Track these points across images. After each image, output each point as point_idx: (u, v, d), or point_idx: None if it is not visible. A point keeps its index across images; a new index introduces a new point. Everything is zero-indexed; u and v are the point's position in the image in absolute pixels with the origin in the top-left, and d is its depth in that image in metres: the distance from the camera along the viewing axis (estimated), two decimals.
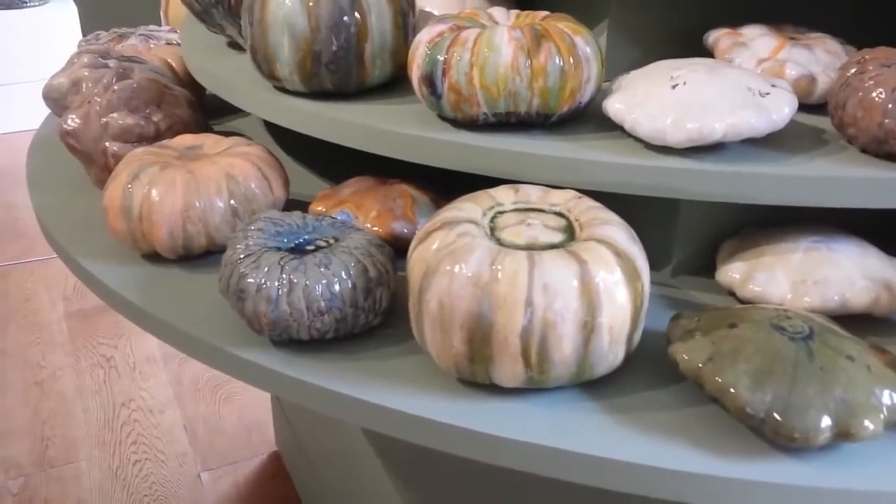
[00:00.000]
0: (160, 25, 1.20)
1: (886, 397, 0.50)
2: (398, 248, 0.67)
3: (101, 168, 0.77)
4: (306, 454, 1.37)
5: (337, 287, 0.56)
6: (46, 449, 1.56)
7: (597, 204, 0.58)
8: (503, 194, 0.59)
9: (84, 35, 2.99)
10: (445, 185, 0.74)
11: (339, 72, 0.70)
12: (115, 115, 0.75)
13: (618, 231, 0.55)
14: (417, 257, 0.55)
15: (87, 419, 1.65)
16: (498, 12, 0.69)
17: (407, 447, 0.91)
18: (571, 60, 0.62)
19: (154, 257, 0.70)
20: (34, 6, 2.98)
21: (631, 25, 0.75)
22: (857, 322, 0.60)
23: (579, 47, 0.63)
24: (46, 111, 0.99)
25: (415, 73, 0.65)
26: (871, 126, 0.59)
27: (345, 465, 1.16)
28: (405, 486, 0.95)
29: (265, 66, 0.71)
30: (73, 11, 3.00)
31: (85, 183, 0.83)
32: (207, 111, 0.99)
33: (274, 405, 1.55)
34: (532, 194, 0.59)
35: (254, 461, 1.55)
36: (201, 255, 0.70)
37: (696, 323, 0.56)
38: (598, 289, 0.52)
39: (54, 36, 2.96)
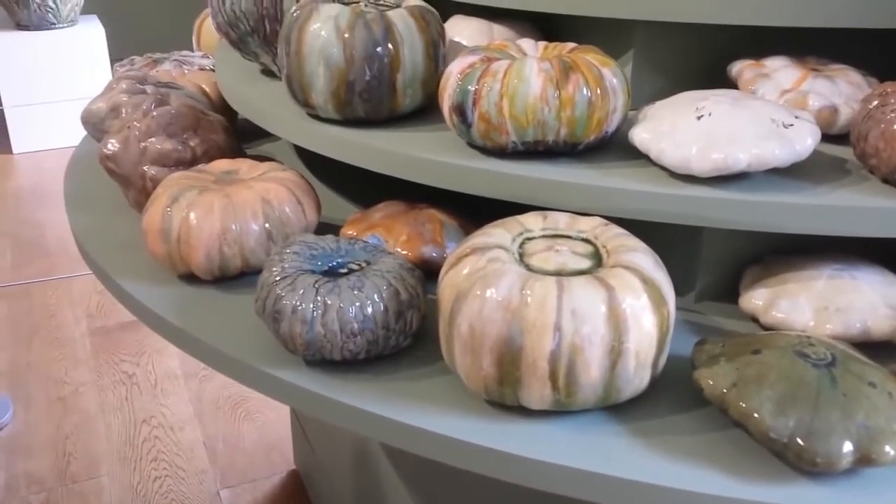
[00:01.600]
0: (190, 50, 1.23)
1: None
2: (427, 271, 0.68)
3: (138, 191, 0.79)
4: (325, 474, 1.38)
5: (370, 309, 0.58)
6: (68, 464, 1.58)
7: (623, 231, 0.60)
8: (532, 221, 0.61)
9: (111, 56, 3.05)
10: (473, 209, 0.75)
11: (372, 100, 0.72)
12: (153, 139, 0.78)
13: (644, 258, 0.56)
14: (449, 282, 0.57)
15: (109, 435, 1.67)
16: (527, 44, 0.72)
17: (427, 470, 0.92)
18: (599, 91, 0.64)
19: (190, 278, 0.72)
20: (62, 27, 3.04)
21: (656, 56, 0.77)
22: (878, 349, 0.61)
23: (606, 79, 0.65)
24: (73, 131, 1.02)
25: (446, 102, 0.68)
26: (893, 157, 0.61)
27: (363, 486, 1.17)
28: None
29: (301, 95, 0.74)
30: (101, 32, 3.07)
31: (122, 205, 0.86)
32: (239, 135, 1.02)
33: (293, 424, 1.57)
34: (560, 221, 0.61)
35: (272, 479, 1.57)
36: (236, 276, 0.72)
37: (720, 349, 0.57)
38: (626, 314, 0.53)
39: (82, 57, 3.02)
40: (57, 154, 2.97)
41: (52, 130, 2.97)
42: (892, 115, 0.61)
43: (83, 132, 1.05)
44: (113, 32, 3.16)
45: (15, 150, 3.03)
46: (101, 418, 1.71)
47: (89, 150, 1.00)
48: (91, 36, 3.03)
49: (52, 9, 2.96)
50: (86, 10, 3.19)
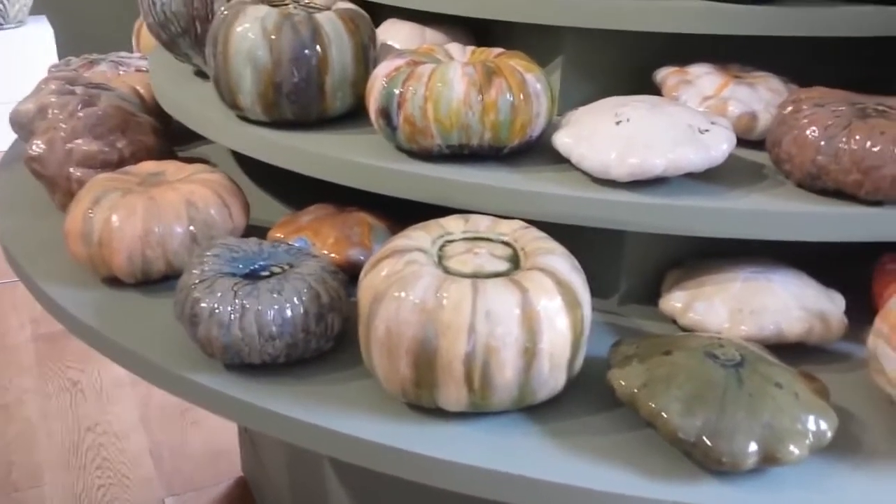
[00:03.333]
0: (131, 52, 1.22)
1: (812, 423, 0.52)
2: (354, 274, 0.68)
3: (64, 193, 0.78)
4: (272, 480, 1.37)
5: (289, 312, 0.58)
6: (10, 473, 1.55)
7: (542, 234, 0.60)
8: (453, 224, 0.61)
9: (60, 57, 3.00)
10: (403, 213, 0.76)
11: (300, 102, 0.72)
12: (79, 141, 0.77)
13: (560, 260, 0.57)
14: (367, 284, 0.57)
15: (52, 443, 1.63)
16: (454, 48, 0.72)
17: (370, 472, 0.91)
18: (521, 96, 0.65)
19: (113, 281, 0.71)
20: (10, 28, 2.98)
21: (584, 62, 0.78)
22: (791, 351, 0.63)
23: (529, 84, 0.66)
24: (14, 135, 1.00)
25: (372, 105, 0.68)
26: (805, 162, 0.62)
27: (308, 492, 1.16)
28: None
29: (228, 96, 0.73)
30: (50, 33, 3.01)
31: (49, 207, 0.84)
32: (176, 138, 1.01)
33: (240, 431, 1.55)
34: (481, 224, 0.61)
35: (220, 487, 1.55)
36: (160, 279, 0.71)
37: (634, 349, 0.58)
38: (539, 316, 0.54)
39: (30, 58, 2.96)
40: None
41: None
42: (805, 121, 0.63)
43: (14, 139, 1.03)
44: (62, 33, 3.10)
45: None
46: (44, 426, 1.68)
47: (18, 152, 0.98)
48: (40, 36, 2.98)
49: None
50: (35, 11, 3.13)
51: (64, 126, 0.77)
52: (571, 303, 0.55)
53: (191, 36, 0.83)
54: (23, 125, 0.86)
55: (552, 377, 0.55)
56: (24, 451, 1.60)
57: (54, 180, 0.78)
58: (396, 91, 0.65)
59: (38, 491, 1.51)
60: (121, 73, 1.04)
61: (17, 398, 1.75)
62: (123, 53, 1.14)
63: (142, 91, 0.98)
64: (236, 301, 0.58)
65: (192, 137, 1.03)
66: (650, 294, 0.71)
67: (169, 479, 1.55)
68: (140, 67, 1.08)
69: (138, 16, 1.23)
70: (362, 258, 0.71)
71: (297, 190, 0.90)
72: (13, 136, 1.04)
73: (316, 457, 1.08)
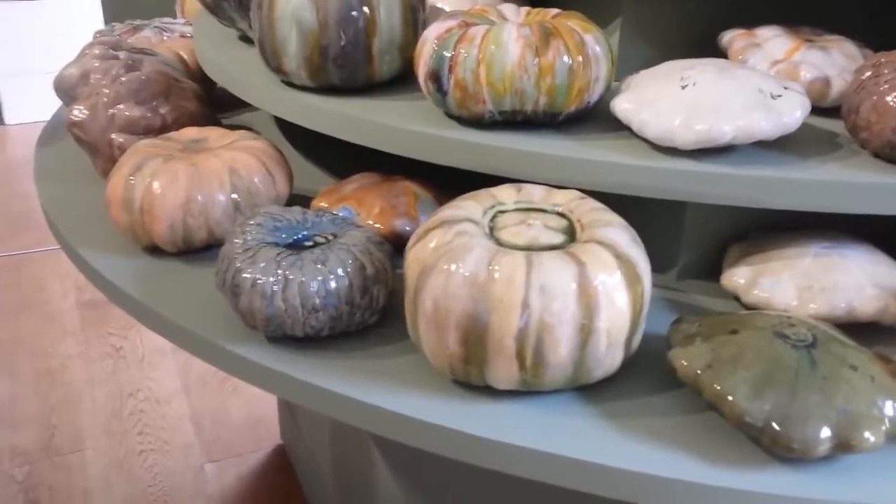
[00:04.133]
0: (175, 18, 1.20)
1: (889, 408, 0.49)
2: (399, 245, 0.66)
3: (106, 159, 0.77)
4: (310, 449, 1.37)
5: (333, 284, 0.56)
6: (53, 437, 1.57)
7: (600, 205, 0.57)
8: (505, 193, 0.58)
9: (106, 24, 3.01)
10: (451, 182, 0.73)
11: (347, 67, 0.69)
12: (121, 106, 0.75)
13: (619, 233, 0.54)
14: (414, 256, 0.54)
15: (95, 408, 1.65)
16: (508, 9, 0.69)
17: (408, 447, 0.90)
18: (580, 59, 0.61)
19: (155, 250, 0.70)
20: None
21: (644, 24, 0.74)
22: (864, 330, 0.59)
23: (588, 46, 0.62)
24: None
25: (421, 69, 0.65)
26: (885, 130, 0.58)
27: (347, 461, 1.15)
28: (407, 482, 0.95)
29: (273, 61, 0.71)
30: (96, 1, 3.02)
31: (91, 174, 0.83)
32: (219, 105, 0.99)
33: (280, 399, 1.55)
34: (535, 194, 0.58)
35: (258, 454, 1.55)
36: (202, 249, 0.69)
37: (696, 328, 0.55)
38: (597, 292, 0.51)
39: (76, 27, 2.98)
40: None
41: (45, 101, 2.93)
42: (886, 86, 0.58)
43: (59, 105, 1.02)
44: (108, 2, 3.11)
45: (7, 121, 3.00)
46: (87, 391, 1.70)
47: (62, 119, 0.97)
48: (85, 4, 2.99)
49: None
50: None
51: (106, 91, 0.75)
52: (631, 278, 0.52)
53: None
54: (66, 91, 0.85)
55: (609, 356, 0.53)
56: (67, 416, 1.62)
57: (96, 146, 0.76)
58: (447, 54, 0.62)
59: (80, 455, 1.52)
60: (165, 38, 1.02)
61: (61, 364, 1.78)
62: (167, 19, 1.12)
63: (186, 57, 0.96)
64: (279, 272, 0.56)
65: (236, 104, 1.01)
66: (710, 269, 0.68)
67: (209, 446, 1.56)
68: (184, 33, 1.07)
69: None
70: (408, 229, 0.68)
71: (341, 158, 0.87)
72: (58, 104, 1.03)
73: (356, 428, 1.07)
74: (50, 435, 1.58)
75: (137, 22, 1.12)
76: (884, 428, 0.48)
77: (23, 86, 2.97)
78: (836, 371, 0.50)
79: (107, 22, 3.03)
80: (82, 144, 0.77)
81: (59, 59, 2.93)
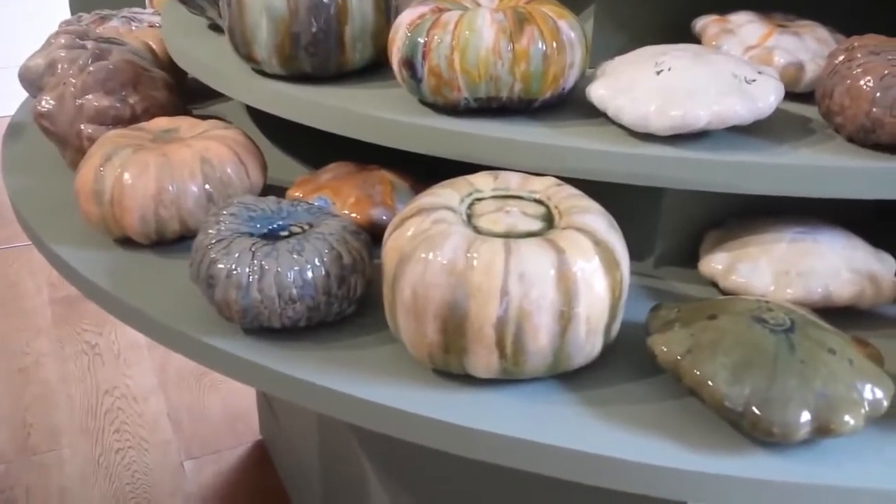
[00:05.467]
0: (144, 8, 1.18)
1: (868, 391, 0.49)
2: (376, 234, 0.65)
3: (75, 150, 0.75)
4: (290, 443, 1.36)
5: (310, 274, 0.55)
6: (28, 436, 1.55)
7: (577, 192, 0.57)
8: (482, 181, 0.58)
9: (72, 13, 2.96)
10: (426, 171, 0.72)
11: (319, 55, 0.68)
12: (90, 96, 0.73)
13: (597, 219, 0.53)
14: (392, 244, 0.54)
15: (71, 406, 1.63)
16: None
17: (391, 438, 0.89)
18: (554, 45, 0.61)
19: (127, 242, 0.68)
20: None
21: (618, 11, 0.73)
22: (840, 315, 0.59)
23: (563, 31, 0.62)
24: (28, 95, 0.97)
25: (395, 55, 0.64)
26: (859, 115, 0.58)
27: (328, 455, 1.15)
28: (388, 476, 0.94)
29: (243, 48, 0.70)
30: None
31: (60, 166, 0.82)
32: (190, 95, 0.97)
33: (258, 394, 1.54)
34: (512, 181, 0.58)
35: (238, 450, 1.54)
36: (175, 240, 0.68)
37: (675, 314, 0.55)
38: (576, 278, 0.50)
39: (43, 19, 2.93)
40: None
41: (10, 95, 2.89)
42: (859, 70, 0.58)
43: (25, 98, 1.00)
44: None
45: None
46: (62, 389, 1.68)
47: (29, 111, 0.95)
48: None
49: None
50: None
51: (74, 81, 0.74)
52: (610, 264, 0.52)
53: None
54: (31, 81, 0.83)
55: (588, 342, 0.52)
56: (43, 415, 1.60)
57: (65, 137, 0.75)
58: (421, 40, 0.62)
59: (57, 454, 1.50)
60: (133, 28, 1.00)
61: (35, 361, 1.75)
62: (136, 9, 1.10)
63: (155, 47, 0.94)
64: (254, 262, 0.55)
65: (207, 95, 0.99)
66: (687, 256, 0.68)
67: (187, 443, 1.54)
68: (153, 23, 1.05)
69: None
70: (384, 218, 0.67)
71: (315, 148, 0.86)
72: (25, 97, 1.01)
73: (336, 421, 1.06)
74: (26, 434, 1.55)
75: (105, 12, 1.10)
76: (863, 411, 0.49)
77: None
78: (814, 355, 0.50)
79: (73, 13, 2.98)
80: (50, 136, 0.75)
81: (24, 53, 2.89)
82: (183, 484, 1.46)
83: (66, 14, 2.94)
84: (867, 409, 0.49)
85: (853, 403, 0.48)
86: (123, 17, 1.07)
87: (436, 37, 0.61)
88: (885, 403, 0.49)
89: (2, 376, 1.71)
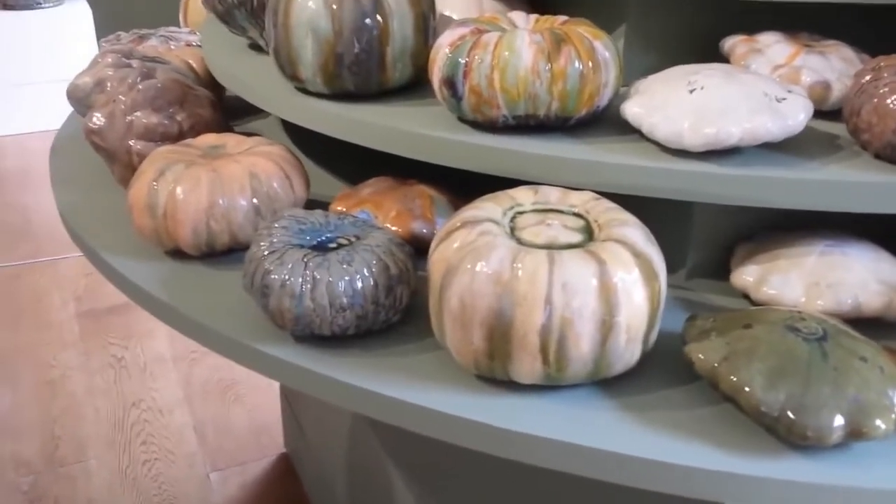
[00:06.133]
0: (177, 27, 1.21)
1: None
2: (417, 247, 0.68)
3: (124, 166, 0.78)
4: (316, 457, 1.38)
5: (359, 284, 0.58)
6: (56, 448, 1.58)
7: (614, 205, 0.59)
8: (523, 195, 0.60)
9: (98, 36, 3.02)
10: (463, 185, 0.75)
11: (361, 74, 0.71)
12: (139, 113, 0.76)
13: (636, 232, 0.56)
14: (439, 256, 0.56)
15: (98, 418, 1.66)
16: (517, 16, 0.71)
17: (420, 453, 0.91)
18: (590, 64, 0.63)
19: (177, 254, 0.71)
20: (49, 7, 3.01)
21: (648, 30, 0.76)
22: (869, 326, 0.61)
23: (598, 51, 0.64)
24: (59, 113, 1.00)
25: (436, 75, 0.67)
26: (886, 132, 0.60)
27: (355, 469, 1.17)
28: (414, 488, 0.96)
29: (288, 68, 0.73)
30: (88, 12, 3.03)
31: (108, 181, 0.85)
32: (228, 111, 1.00)
33: (283, 407, 1.56)
34: (551, 195, 0.60)
35: (262, 462, 1.56)
36: (224, 252, 0.71)
37: (711, 323, 0.57)
38: (617, 288, 0.53)
39: (68, 37, 2.99)
40: (42, 136, 2.93)
41: (37, 112, 2.94)
42: (885, 89, 0.61)
43: (69, 114, 1.03)
44: (99, 12, 3.12)
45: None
46: (89, 402, 1.70)
47: (75, 128, 0.99)
48: (77, 16, 3.00)
49: None
50: None
51: (123, 99, 0.77)
52: (648, 275, 0.54)
53: (247, 7, 0.82)
54: (79, 99, 0.87)
55: (628, 350, 0.55)
56: (70, 427, 1.62)
57: (114, 153, 0.78)
58: (462, 60, 0.64)
59: (84, 465, 1.53)
60: (172, 47, 1.04)
61: (62, 374, 1.78)
62: (172, 28, 1.14)
63: (194, 65, 0.98)
64: (307, 272, 0.57)
65: (243, 112, 1.02)
66: (718, 268, 0.70)
67: (213, 455, 1.57)
68: (189, 42, 1.08)
69: None
70: (424, 231, 0.70)
71: (349, 163, 0.89)
72: (57, 115, 1.04)
73: (363, 432, 1.08)
74: (54, 446, 1.58)
75: (143, 31, 1.14)
76: (893, 416, 0.50)
77: (14, 97, 2.97)
78: (846, 362, 0.52)
79: (98, 34, 3.03)
80: (100, 151, 0.79)
81: (52, 69, 2.95)
82: (209, 496, 1.48)
83: (91, 35, 2.99)
84: None
85: (884, 409, 0.50)
86: (161, 35, 1.11)
87: (476, 57, 0.64)
88: None
89: (30, 389, 1.74)
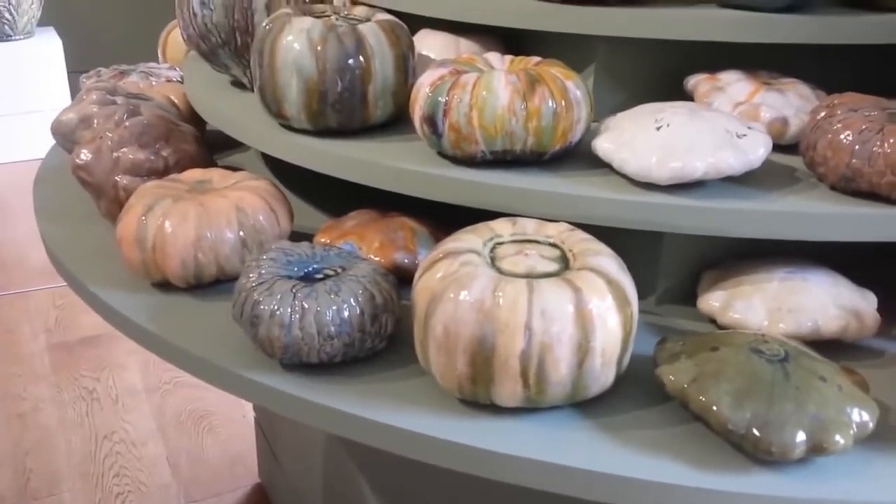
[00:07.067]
0: (150, 61, 1.24)
1: (856, 414, 0.54)
2: (399, 276, 0.70)
3: (111, 200, 0.80)
4: (290, 485, 1.38)
5: (346, 313, 0.60)
6: (28, 481, 1.56)
7: (588, 236, 0.63)
8: (501, 226, 0.63)
9: (68, 68, 3.02)
10: (443, 216, 0.78)
11: (344, 111, 0.74)
12: (126, 149, 0.79)
13: (608, 261, 0.59)
14: (423, 285, 0.59)
15: (70, 451, 1.64)
16: (493, 57, 0.74)
17: (398, 481, 0.93)
18: (563, 103, 0.67)
19: (164, 286, 0.73)
20: (19, 39, 3.00)
21: (616, 70, 0.80)
22: (828, 347, 0.65)
23: (570, 91, 0.68)
24: (29, 144, 1.01)
25: (417, 113, 0.70)
26: (840, 165, 0.65)
27: (329, 496, 1.18)
28: None
29: (273, 106, 0.75)
30: (58, 44, 3.03)
31: (93, 214, 0.86)
32: (209, 145, 1.03)
33: (258, 437, 1.57)
34: (528, 227, 0.64)
35: (237, 493, 1.56)
36: (210, 283, 0.73)
37: (680, 346, 0.60)
38: (592, 314, 0.56)
39: (38, 69, 2.98)
40: (11, 168, 2.91)
41: (7, 144, 2.92)
42: (839, 125, 0.65)
43: (40, 145, 1.05)
44: (70, 44, 3.13)
45: None
46: (61, 434, 1.69)
47: (57, 161, 1.00)
48: (48, 48, 3.00)
49: (8, 20, 2.93)
50: (42, 22, 3.15)
51: (110, 135, 0.79)
52: (621, 301, 0.57)
53: (231, 47, 0.85)
54: (65, 135, 0.88)
55: (603, 373, 0.58)
56: (43, 460, 1.61)
57: (101, 188, 0.80)
58: (442, 99, 0.68)
59: (57, 499, 1.52)
60: (153, 83, 1.06)
61: (34, 407, 1.76)
62: (152, 64, 1.16)
63: (176, 101, 1.00)
64: (295, 302, 0.60)
65: (224, 146, 1.05)
66: (686, 294, 0.73)
67: (187, 486, 1.56)
68: (170, 77, 1.11)
69: (148, 26, 1.25)
70: (407, 261, 0.73)
71: (332, 195, 0.92)
72: (27, 147, 1.05)
73: (340, 460, 1.09)
74: (25, 479, 1.56)
75: (123, 67, 1.16)
76: (852, 432, 0.54)
77: None
78: (807, 382, 0.55)
79: (69, 65, 3.04)
80: (87, 186, 0.80)
81: (20, 102, 2.94)
82: None
83: (61, 68, 2.99)
84: (855, 430, 0.54)
85: (843, 425, 0.54)
86: (141, 71, 1.13)
87: (455, 96, 0.67)
88: (871, 425, 0.55)
89: (1, 422, 1.72)
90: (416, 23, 0.86)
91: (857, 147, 0.63)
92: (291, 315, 0.59)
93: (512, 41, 0.87)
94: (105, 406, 1.79)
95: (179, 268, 0.70)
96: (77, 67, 3.00)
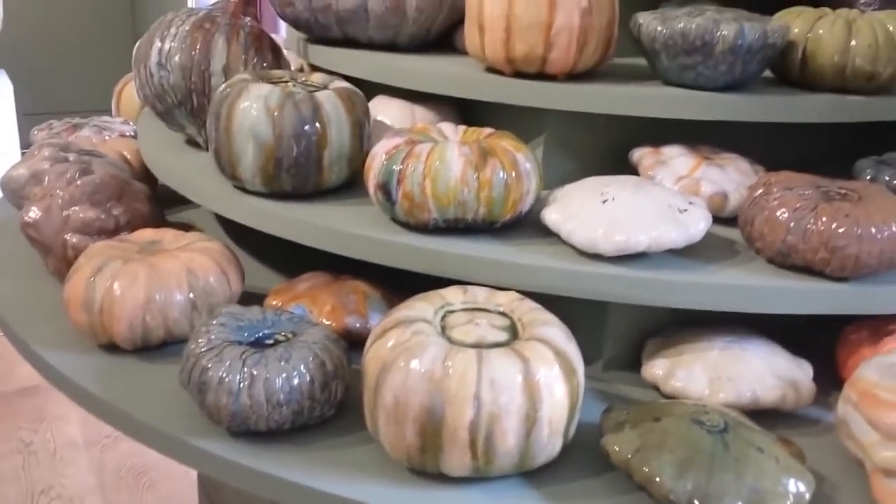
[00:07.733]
0: (101, 108, 1.23)
1: (792, 485, 0.56)
2: (350, 341, 0.71)
3: (59, 258, 0.79)
4: None
5: (296, 380, 0.60)
6: None
7: (537, 305, 0.64)
8: (453, 295, 0.64)
9: (18, 112, 2.98)
10: (395, 280, 0.78)
11: (300, 176, 0.75)
12: (76, 208, 0.78)
13: (556, 331, 0.60)
14: (374, 354, 0.59)
15: None
16: (447, 127, 0.76)
17: None
18: (514, 174, 0.69)
19: (111, 347, 0.72)
20: None
21: (565, 140, 0.83)
22: (766, 417, 0.67)
23: (520, 163, 0.70)
24: None
25: (371, 180, 0.71)
26: (776, 241, 0.67)
27: None
28: None
29: (228, 169, 0.76)
30: (9, 88, 2.99)
31: (40, 272, 0.85)
32: (161, 201, 1.02)
33: (200, 495, 1.53)
34: (479, 295, 0.65)
35: None
36: (157, 346, 0.72)
37: (625, 416, 0.61)
38: (540, 385, 0.57)
39: None
40: None
41: None
42: (775, 202, 0.68)
43: None
44: (21, 88, 3.09)
45: None
46: None
47: (4, 216, 0.99)
48: None
49: None
50: None
51: (61, 193, 0.79)
52: (568, 371, 0.59)
53: (187, 108, 0.86)
54: (14, 191, 0.87)
55: (550, 443, 0.58)
56: None
57: (49, 246, 0.79)
58: (396, 168, 0.69)
59: None
60: (106, 138, 1.06)
61: None
62: (106, 118, 1.16)
63: (129, 157, 1.00)
64: (245, 369, 0.60)
65: (176, 202, 1.04)
66: (631, 361, 0.75)
67: None
68: (123, 132, 1.10)
69: (101, 72, 1.25)
70: (358, 325, 0.73)
71: (283, 255, 0.92)
72: None
73: None
74: None
75: (76, 120, 1.15)
76: (788, 502, 0.56)
77: None
78: (745, 453, 0.57)
79: (18, 109, 2.99)
80: (35, 244, 0.79)
81: None
82: None
83: (11, 115, 2.94)
84: (792, 501, 0.56)
85: (779, 496, 0.55)
86: (94, 125, 1.13)
87: (410, 166, 0.69)
88: (808, 496, 0.56)
89: None
90: (371, 89, 0.88)
91: (792, 224, 0.66)
92: (240, 382, 0.59)
93: (466, 108, 0.90)
94: (42, 460, 1.73)
95: (127, 331, 0.69)
96: (29, 110, 2.97)
